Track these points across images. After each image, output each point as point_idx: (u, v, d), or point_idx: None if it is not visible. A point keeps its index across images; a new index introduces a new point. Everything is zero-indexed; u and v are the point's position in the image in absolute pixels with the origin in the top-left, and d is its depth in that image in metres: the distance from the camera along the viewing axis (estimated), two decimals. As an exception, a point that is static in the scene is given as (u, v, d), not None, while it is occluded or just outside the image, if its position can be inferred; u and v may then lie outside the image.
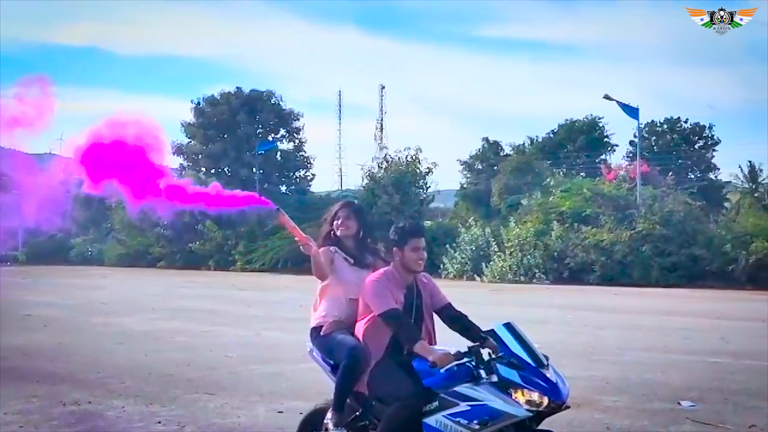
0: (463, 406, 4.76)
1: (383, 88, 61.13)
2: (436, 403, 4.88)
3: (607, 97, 39.69)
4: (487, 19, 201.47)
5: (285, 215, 5.80)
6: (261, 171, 52.96)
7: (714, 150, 62.15)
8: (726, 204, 56.22)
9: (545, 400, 4.65)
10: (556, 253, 35.60)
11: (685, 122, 61.90)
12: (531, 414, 4.67)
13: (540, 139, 61.75)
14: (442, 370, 4.82)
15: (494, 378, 4.77)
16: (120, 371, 10.73)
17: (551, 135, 61.61)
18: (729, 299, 26.02)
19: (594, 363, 11.68)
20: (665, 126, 61.50)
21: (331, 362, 5.53)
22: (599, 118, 60.02)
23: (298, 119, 57.91)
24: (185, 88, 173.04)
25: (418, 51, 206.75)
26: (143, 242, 51.57)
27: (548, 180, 43.71)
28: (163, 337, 14.42)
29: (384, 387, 5.18)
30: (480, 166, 59.74)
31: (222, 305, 21.30)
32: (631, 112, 39.95)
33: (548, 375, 4.74)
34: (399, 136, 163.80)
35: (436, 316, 5.57)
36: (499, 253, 36.43)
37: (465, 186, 59.09)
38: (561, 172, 48.98)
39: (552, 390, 4.68)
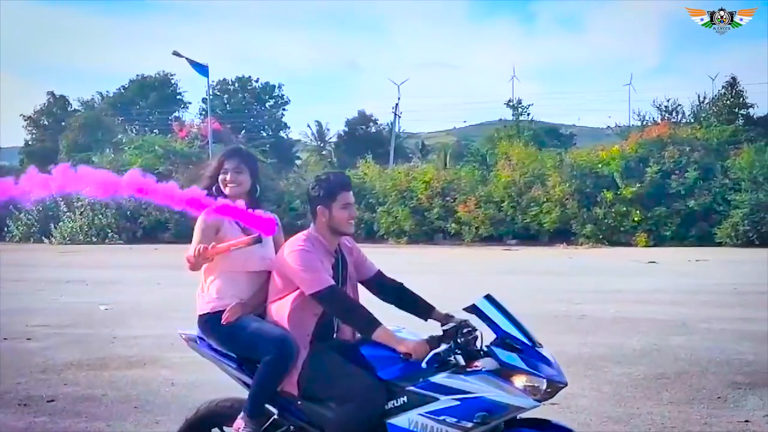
0: (448, 401, 3.83)
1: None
2: (403, 399, 3.93)
3: (176, 53, 39.48)
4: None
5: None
6: None
7: (284, 109, 65.07)
8: (297, 161, 59.26)
9: (543, 384, 3.84)
10: (129, 213, 35.17)
11: (257, 81, 63.95)
12: (538, 404, 3.85)
13: (111, 95, 60.11)
14: (423, 364, 3.86)
15: (491, 364, 3.88)
16: None
17: (122, 90, 60.28)
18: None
19: (165, 321, 11.41)
20: (237, 84, 62.97)
21: (234, 356, 4.29)
22: (172, 75, 59.91)
23: None
24: None
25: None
26: None
27: (120, 137, 43.03)
28: None
29: (326, 384, 4.04)
30: (46, 122, 56.73)
31: None
32: (201, 69, 40.17)
33: (546, 355, 3.95)
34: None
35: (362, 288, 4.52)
36: (69, 214, 35.10)
37: (30, 143, 55.95)
38: (134, 129, 48.18)
39: (553, 371, 3.90)
